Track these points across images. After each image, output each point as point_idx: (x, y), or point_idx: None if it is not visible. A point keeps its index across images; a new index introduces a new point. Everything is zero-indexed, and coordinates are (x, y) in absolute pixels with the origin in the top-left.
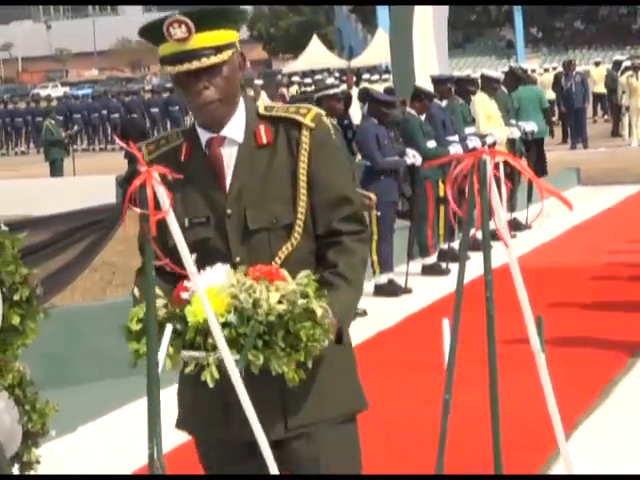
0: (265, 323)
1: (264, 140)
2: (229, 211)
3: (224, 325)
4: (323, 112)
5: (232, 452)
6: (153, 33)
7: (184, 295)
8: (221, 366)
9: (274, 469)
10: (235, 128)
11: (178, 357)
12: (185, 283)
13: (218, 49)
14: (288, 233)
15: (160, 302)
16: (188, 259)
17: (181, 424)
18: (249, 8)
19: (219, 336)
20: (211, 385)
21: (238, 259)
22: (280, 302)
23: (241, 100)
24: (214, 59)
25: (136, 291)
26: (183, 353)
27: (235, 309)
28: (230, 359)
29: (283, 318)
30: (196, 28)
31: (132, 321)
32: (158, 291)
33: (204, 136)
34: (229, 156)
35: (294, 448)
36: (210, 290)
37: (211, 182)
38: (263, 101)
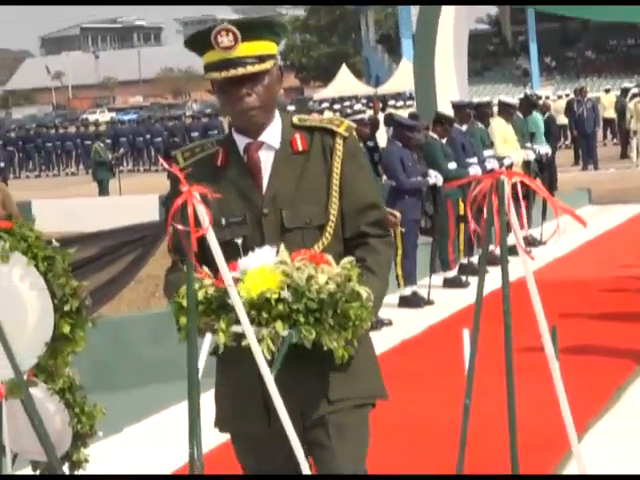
0: (317, 301)
1: (300, 147)
2: (266, 210)
3: (278, 301)
4: (354, 125)
5: (271, 444)
6: (199, 42)
7: (235, 274)
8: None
9: (305, 467)
10: (272, 135)
11: (230, 331)
12: (238, 261)
13: (261, 58)
14: (320, 233)
15: (207, 281)
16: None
17: (220, 422)
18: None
19: (244, 317)
20: (268, 357)
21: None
22: (327, 283)
23: (276, 111)
24: (257, 67)
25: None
26: (235, 327)
27: (289, 286)
28: (257, 349)
29: (334, 297)
30: (242, 37)
31: (183, 298)
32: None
33: (242, 141)
34: (266, 160)
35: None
36: (263, 268)
37: (249, 184)
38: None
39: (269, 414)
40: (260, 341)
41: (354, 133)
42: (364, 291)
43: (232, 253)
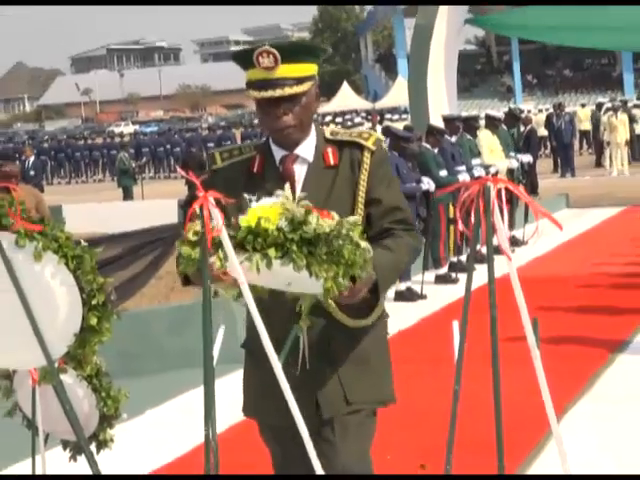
0: (312, 235)
1: (332, 162)
2: None
3: (275, 230)
4: (382, 138)
5: (291, 436)
6: (243, 59)
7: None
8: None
9: (318, 467)
10: (307, 149)
11: (225, 265)
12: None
13: (299, 80)
14: None
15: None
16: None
17: (248, 411)
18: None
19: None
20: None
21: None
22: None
23: (313, 126)
24: (295, 89)
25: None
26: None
27: (287, 218)
28: (270, 348)
29: (330, 234)
30: (282, 59)
31: (189, 232)
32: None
33: (278, 153)
34: (300, 172)
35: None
36: (266, 206)
37: None
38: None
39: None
40: (249, 261)
41: (382, 145)
42: (363, 243)
43: None
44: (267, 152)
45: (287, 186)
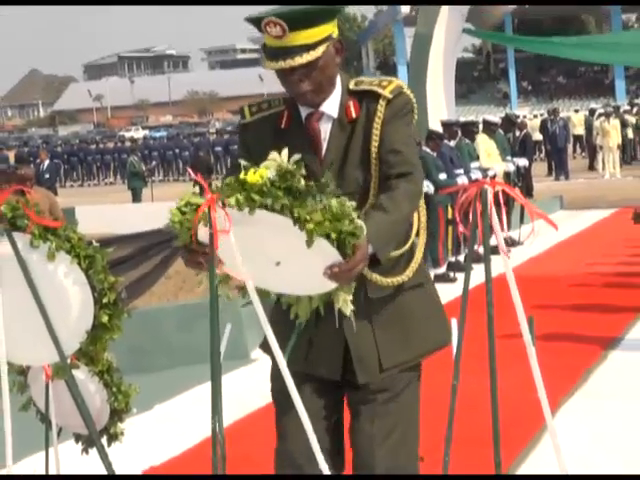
0: (300, 187)
1: (353, 115)
2: (322, 180)
3: (263, 180)
4: (404, 85)
5: (304, 381)
6: (256, 26)
7: None
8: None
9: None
10: (332, 105)
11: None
12: None
13: (311, 46)
14: (367, 193)
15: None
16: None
17: (265, 347)
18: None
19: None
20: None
21: (335, 189)
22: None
23: (338, 79)
24: (306, 57)
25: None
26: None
27: (276, 171)
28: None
29: (318, 188)
30: (289, 28)
31: (182, 200)
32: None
33: (304, 111)
34: (325, 130)
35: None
36: (264, 166)
37: (308, 151)
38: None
39: (307, 356)
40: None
41: (404, 92)
42: (358, 220)
43: None
44: (294, 108)
45: (285, 151)
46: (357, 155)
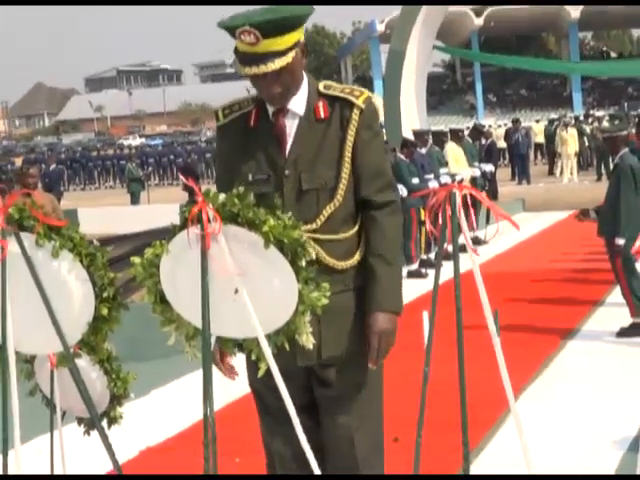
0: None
1: (322, 115)
2: (287, 172)
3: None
4: (372, 95)
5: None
6: (228, 32)
7: None
8: None
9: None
10: (298, 102)
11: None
12: None
13: (283, 53)
14: (332, 194)
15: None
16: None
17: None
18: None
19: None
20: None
21: (290, 213)
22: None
23: (305, 79)
24: (278, 62)
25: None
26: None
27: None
28: (262, 336)
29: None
30: (263, 36)
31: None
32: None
33: (271, 108)
34: (291, 126)
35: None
36: None
37: (274, 147)
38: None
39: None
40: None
41: (373, 103)
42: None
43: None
44: (262, 106)
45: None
46: (329, 155)
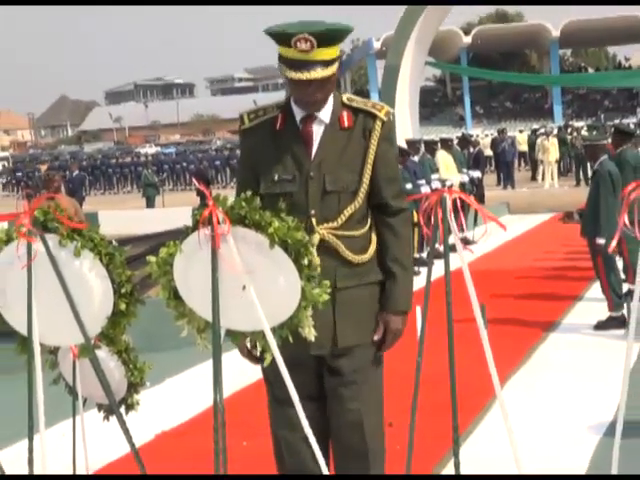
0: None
1: (346, 124)
2: (312, 174)
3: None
4: (392, 110)
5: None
6: (279, 39)
7: None
8: None
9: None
10: (325, 112)
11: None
12: None
13: (330, 62)
14: (353, 197)
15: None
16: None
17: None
18: None
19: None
20: None
21: (313, 212)
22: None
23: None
24: (326, 71)
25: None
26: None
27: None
28: (270, 336)
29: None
30: (318, 44)
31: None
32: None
33: (299, 113)
34: (317, 132)
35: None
36: None
37: (301, 149)
38: None
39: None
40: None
41: (392, 117)
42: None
43: (277, 205)
44: (289, 111)
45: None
46: (351, 160)
